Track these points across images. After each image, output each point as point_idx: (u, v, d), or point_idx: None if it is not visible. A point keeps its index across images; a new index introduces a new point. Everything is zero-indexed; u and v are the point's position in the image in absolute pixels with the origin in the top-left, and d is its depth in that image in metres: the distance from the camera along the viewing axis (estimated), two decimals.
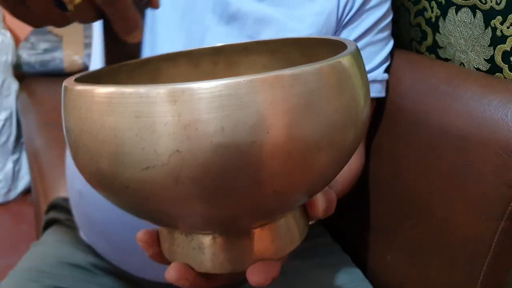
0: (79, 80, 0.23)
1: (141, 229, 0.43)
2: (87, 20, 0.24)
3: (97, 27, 0.49)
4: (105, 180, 0.20)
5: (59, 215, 0.55)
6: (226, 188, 0.18)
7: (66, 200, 0.56)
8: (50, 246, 0.50)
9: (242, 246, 0.23)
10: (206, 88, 0.17)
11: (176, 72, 0.31)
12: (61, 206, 0.56)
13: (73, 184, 0.49)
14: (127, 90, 0.18)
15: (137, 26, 0.24)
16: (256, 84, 0.17)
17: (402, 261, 0.48)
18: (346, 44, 0.24)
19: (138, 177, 0.18)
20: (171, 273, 0.23)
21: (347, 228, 0.56)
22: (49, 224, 0.55)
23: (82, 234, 0.51)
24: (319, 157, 0.19)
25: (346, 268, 0.50)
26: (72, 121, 0.20)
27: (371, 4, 0.46)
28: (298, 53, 0.30)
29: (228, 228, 0.23)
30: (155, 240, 0.26)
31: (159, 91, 0.17)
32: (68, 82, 0.21)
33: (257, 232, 0.23)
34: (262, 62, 0.32)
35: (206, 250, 0.23)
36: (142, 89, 0.17)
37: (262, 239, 0.23)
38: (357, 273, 0.50)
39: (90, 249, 0.50)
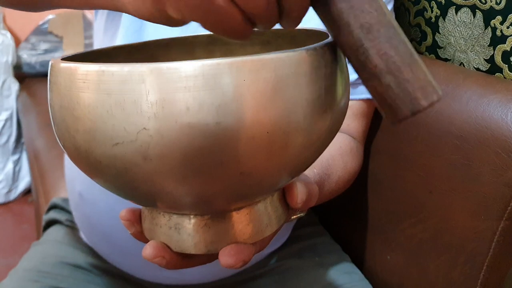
0: (71, 59, 0.24)
1: None
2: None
3: (97, 27, 0.49)
4: (81, 155, 0.20)
5: (59, 215, 0.55)
6: (193, 168, 0.19)
7: (66, 200, 0.56)
8: (50, 246, 0.50)
9: (217, 228, 0.23)
10: (174, 68, 0.17)
11: (171, 58, 0.31)
12: (61, 207, 0.56)
13: (73, 185, 0.49)
14: (101, 68, 0.18)
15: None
16: (223, 67, 0.18)
17: (402, 261, 0.48)
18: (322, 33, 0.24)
19: (109, 153, 0.19)
20: (148, 251, 0.23)
21: (347, 227, 0.56)
22: (49, 224, 0.55)
23: (82, 235, 0.51)
24: (286, 142, 0.19)
25: (345, 267, 0.50)
26: (53, 97, 0.21)
27: None
28: (290, 45, 0.30)
29: (203, 209, 0.23)
30: (137, 218, 0.26)
31: (129, 70, 0.18)
32: (55, 60, 0.22)
33: (233, 215, 0.24)
34: (256, 53, 0.32)
35: (182, 230, 0.24)
36: (114, 67, 0.18)
37: (237, 222, 0.24)
38: (356, 273, 0.50)
39: (90, 250, 0.50)
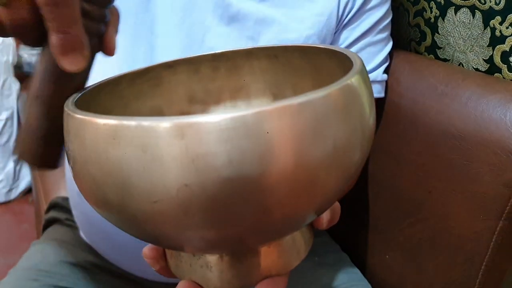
0: (80, 100, 0.23)
1: None
2: (27, 35, 0.21)
3: None
4: (113, 210, 0.19)
5: (59, 214, 0.55)
6: (234, 217, 0.18)
7: (66, 199, 0.57)
8: (50, 245, 0.50)
9: (249, 263, 0.23)
10: (213, 121, 0.17)
11: (176, 79, 0.31)
12: (61, 206, 0.56)
13: (72, 185, 0.49)
14: (132, 123, 0.17)
15: (80, 48, 0.21)
16: (263, 115, 0.17)
17: (401, 260, 0.48)
18: (350, 57, 0.23)
19: (146, 209, 0.18)
20: None
21: (346, 227, 0.56)
22: (49, 223, 0.55)
23: (82, 234, 0.51)
24: (326, 180, 0.19)
25: (344, 267, 0.50)
26: (76, 149, 0.20)
27: (371, 4, 0.46)
28: (300, 60, 0.29)
29: (235, 249, 0.23)
30: (161, 255, 0.26)
31: (165, 126, 0.17)
32: (69, 107, 0.21)
33: (264, 249, 0.23)
34: (263, 67, 0.31)
35: (213, 268, 0.23)
36: (146, 122, 0.17)
37: (269, 256, 0.23)
38: (355, 272, 0.50)
39: (90, 249, 0.50)
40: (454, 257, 0.42)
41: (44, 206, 0.63)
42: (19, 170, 1.42)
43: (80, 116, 0.19)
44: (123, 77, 0.29)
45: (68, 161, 0.21)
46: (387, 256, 0.50)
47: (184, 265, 0.24)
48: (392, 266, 0.50)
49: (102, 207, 0.20)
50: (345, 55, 0.24)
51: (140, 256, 0.45)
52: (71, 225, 0.53)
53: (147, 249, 0.26)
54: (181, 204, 0.18)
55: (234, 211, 0.18)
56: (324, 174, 0.19)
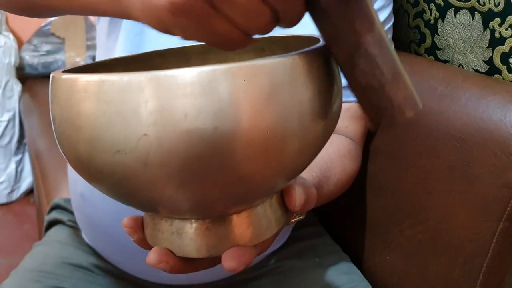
0: (71, 71, 0.24)
1: None
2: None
3: (100, 30, 0.49)
4: (83, 165, 0.21)
5: (61, 215, 0.55)
6: (193, 173, 0.19)
7: (68, 201, 0.57)
8: (52, 246, 0.51)
9: (218, 231, 0.24)
10: (171, 76, 0.18)
11: (168, 68, 0.32)
12: (63, 207, 0.57)
13: (75, 186, 0.49)
14: (101, 78, 0.19)
15: None
16: (219, 73, 0.18)
17: (401, 261, 0.49)
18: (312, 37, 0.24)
19: (110, 161, 0.19)
20: (151, 257, 0.24)
21: (346, 228, 0.56)
22: (51, 224, 0.56)
23: (84, 235, 0.52)
24: (283, 146, 0.20)
25: (345, 268, 0.50)
26: (55, 109, 0.21)
27: (374, 7, 0.46)
28: (284, 51, 0.30)
29: (204, 214, 0.24)
30: (139, 226, 0.27)
31: (128, 79, 0.18)
32: (55, 72, 0.22)
33: (233, 218, 0.24)
34: (251, 59, 0.32)
35: (184, 235, 0.24)
36: (113, 77, 0.18)
37: (238, 225, 0.24)
38: (356, 273, 0.50)
39: (91, 250, 0.50)
40: (454, 258, 0.43)
41: (46, 207, 0.64)
42: (21, 171, 1.43)
43: (60, 76, 0.21)
44: (118, 60, 0.30)
45: (52, 125, 0.23)
46: (388, 257, 0.50)
47: (158, 233, 0.25)
48: (392, 267, 0.50)
49: (76, 165, 0.21)
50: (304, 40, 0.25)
51: (141, 258, 0.45)
52: (73, 226, 0.54)
53: (127, 219, 0.26)
54: (140, 155, 0.19)
55: (191, 167, 0.19)
56: (278, 139, 0.20)
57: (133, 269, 0.47)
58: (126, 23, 0.43)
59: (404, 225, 0.48)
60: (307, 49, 0.21)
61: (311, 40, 0.27)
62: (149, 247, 0.26)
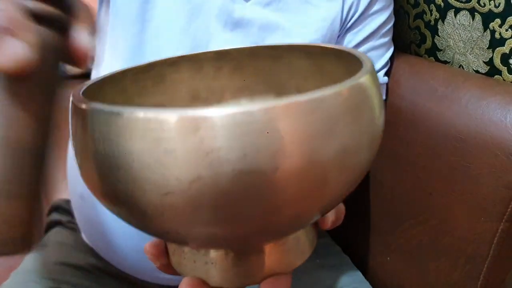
0: (86, 92, 0.22)
1: (143, 233, 0.44)
2: None
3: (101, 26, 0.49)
4: (122, 205, 0.19)
5: (61, 217, 0.55)
6: (245, 213, 0.18)
7: (68, 202, 0.57)
8: (51, 248, 0.51)
9: (254, 261, 0.23)
10: (228, 114, 0.17)
11: (179, 77, 0.31)
12: (63, 208, 0.57)
13: (74, 187, 0.49)
14: (147, 115, 0.17)
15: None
16: (279, 110, 0.17)
17: (402, 262, 0.48)
18: (358, 57, 0.23)
19: (157, 203, 0.18)
20: None
21: (347, 229, 0.56)
22: (51, 226, 0.55)
23: (84, 236, 0.52)
24: (335, 179, 0.19)
25: (346, 269, 0.50)
26: (83, 142, 0.19)
27: (374, 8, 0.46)
28: (304, 60, 0.29)
29: (241, 247, 0.23)
30: (162, 252, 0.26)
31: (180, 116, 0.17)
32: (76, 97, 0.20)
33: (269, 248, 0.23)
34: (266, 68, 0.31)
35: (217, 265, 0.23)
36: (162, 115, 0.17)
37: (273, 255, 0.23)
38: (357, 274, 0.50)
39: (91, 251, 0.50)
40: (455, 259, 0.43)
41: (45, 209, 0.64)
42: None
43: (89, 106, 0.19)
44: (127, 71, 0.28)
45: (76, 158, 0.21)
46: (389, 258, 0.50)
47: (187, 262, 0.24)
48: (393, 268, 0.50)
49: (110, 201, 0.20)
50: (353, 55, 0.24)
51: (142, 259, 0.45)
52: (73, 227, 0.53)
53: (149, 245, 0.26)
54: (193, 197, 0.17)
55: (245, 207, 0.18)
56: (333, 173, 0.19)
57: (133, 270, 0.47)
58: (124, 25, 0.43)
59: (405, 226, 0.48)
60: (361, 74, 0.20)
61: (338, 52, 0.26)
62: (174, 272, 0.26)
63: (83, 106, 0.19)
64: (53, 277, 0.46)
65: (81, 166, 0.20)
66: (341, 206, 0.27)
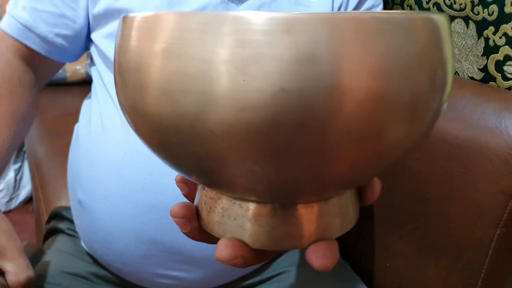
0: None
1: (144, 237, 0.44)
2: None
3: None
4: (182, 125, 0.16)
5: (60, 224, 0.55)
6: (330, 138, 0.16)
7: (67, 209, 0.57)
8: (51, 255, 0.51)
9: (304, 219, 0.20)
10: (327, 18, 0.14)
11: None
12: (62, 216, 0.57)
13: (74, 193, 0.49)
14: (230, 14, 0.15)
15: None
16: (385, 21, 0.15)
17: (401, 268, 0.49)
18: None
19: (230, 119, 0.15)
20: (223, 252, 0.19)
21: (346, 235, 0.56)
22: (50, 233, 0.55)
23: (83, 243, 0.52)
24: (411, 120, 0.17)
25: (345, 275, 0.50)
26: (141, 53, 0.17)
27: (363, 7, 0.47)
28: None
29: (294, 196, 0.20)
30: (193, 214, 0.23)
31: (271, 17, 0.14)
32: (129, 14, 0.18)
33: (319, 206, 0.20)
34: None
35: (263, 222, 0.20)
36: (248, 14, 0.14)
37: (324, 215, 0.21)
38: (356, 280, 0.50)
39: (90, 258, 0.50)
40: (453, 265, 0.43)
41: (45, 216, 0.64)
42: (20, 179, 1.42)
43: (150, 13, 0.16)
44: None
45: (122, 77, 0.18)
46: (387, 264, 0.50)
47: (227, 220, 0.21)
48: (392, 273, 0.50)
49: (167, 123, 0.17)
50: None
51: (141, 265, 0.45)
52: (72, 234, 0.53)
53: (177, 206, 0.22)
54: (274, 114, 0.15)
55: (331, 133, 0.15)
56: (407, 111, 0.16)
57: (133, 277, 0.47)
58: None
59: (403, 231, 0.48)
60: (436, 14, 0.18)
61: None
62: (205, 238, 0.23)
63: (142, 13, 0.17)
64: (52, 285, 0.46)
65: (133, 87, 0.18)
66: (379, 180, 0.25)
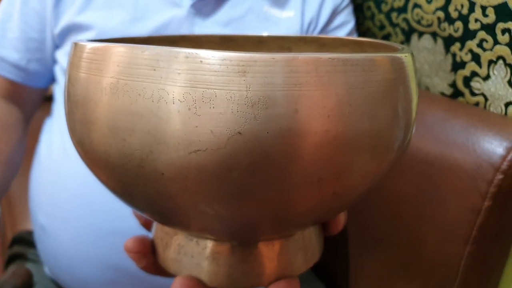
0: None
1: (108, 263, 0.42)
2: None
3: None
4: (130, 165, 0.15)
5: (22, 249, 0.53)
6: (288, 181, 0.15)
7: (31, 233, 0.54)
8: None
9: (264, 257, 0.20)
10: (284, 60, 0.14)
11: None
12: (26, 240, 0.54)
13: (36, 218, 0.47)
14: (183, 50, 0.14)
15: None
16: (343, 62, 0.14)
17: (375, 286, 0.48)
18: (388, 45, 0.21)
19: (181, 162, 0.14)
20: None
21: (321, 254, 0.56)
22: (12, 259, 0.53)
23: (46, 269, 0.49)
24: (384, 157, 0.17)
25: None
26: (88, 86, 0.16)
27: (335, 24, 0.47)
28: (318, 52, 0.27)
29: (254, 235, 0.19)
30: (149, 248, 0.22)
31: (226, 56, 0.14)
32: (82, 41, 0.17)
33: (281, 244, 0.20)
34: None
35: (221, 261, 0.19)
36: (201, 52, 0.14)
37: (285, 252, 0.20)
38: None
39: (55, 285, 0.48)
40: (426, 283, 0.42)
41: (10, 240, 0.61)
42: None
43: (102, 44, 0.15)
44: (125, 41, 0.25)
45: (70, 108, 0.17)
46: (362, 283, 0.49)
47: (184, 257, 0.20)
48: None
49: (113, 163, 0.16)
50: (371, 45, 0.22)
51: None
52: (36, 260, 0.51)
53: (131, 242, 0.21)
54: (228, 157, 0.14)
55: (287, 175, 0.15)
56: (383, 149, 0.16)
57: None
58: None
59: (377, 250, 0.47)
60: (402, 52, 0.17)
61: (355, 43, 0.24)
62: (161, 273, 0.22)
63: (89, 44, 0.16)
64: None
65: (79, 121, 0.17)
66: (343, 214, 0.25)
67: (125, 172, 0.16)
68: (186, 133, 0.14)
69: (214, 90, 0.14)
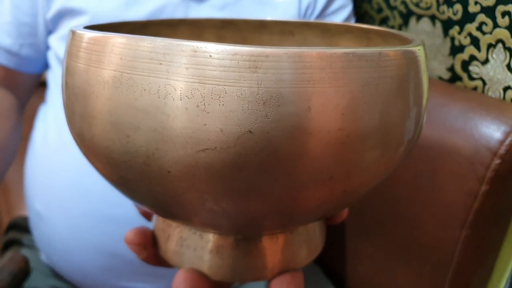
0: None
1: (104, 249, 0.42)
2: None
3: None
4: (135, 162, 0.15)
5: (19, 235, 0.53)
6: (298, 180, 0.15)
7: (26, 219, 0.54)
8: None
9: (267, 251, 0.19)
10: (298, 55, 0.13)
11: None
12: (22, 226, 0.54)
13: (31, 204, 0.47)
14: (191, 44, 0.13)
15: None
16: (359, 58, 0.14)
17: (372, 271, 0.48)
18: (395, 34, 0.21)
19: (188, 160, 0.14)
20: (181, 285, 0.18)
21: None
22: (8, 245, 0.53)
23: (43, 256, 0.49)
24: (396, 153, 0.16)
25: (317, 279, 0.49)
26: (88, 78, 0.15)
27: (333, 7, 0.47)
28: (319, 38, 0.26)
29: (258, 230, 0.19)
30: (150, 239, 0.21)
31: (236, 51, 0.13)
32: (80, 29, 0.16)
33: (285, 237, 0.20)
34: (274, 43, 0.28)
35: (225, 254, 0.19)
36: (211, 46, 0.13)
37: (289, 245, 0.20)
38: (328, 284, 0.50)
39: (51, 271, 0.48)
40: (422, 267, 0.42)
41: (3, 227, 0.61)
42: None
43: (105, 34, 0.15)
44: (124, 25, 0.24)
45: (69, 104, 0.16)
46: (359, 267, 0.50)
47: (187, 250, 0.20)
48: (363, 277, 0.49)
49: (117, 158, 0.15)
50: (377, 32, 0.22)
51: (104, 276, 0.43)
52: (32, 246, 0.51)
53: (132, 233, 0.21)
54: (237, 156, 0.13)
55: (298, 174, 0.14)
56: (396, 144, 0.16)
57: None
58: None
59: (374, 235, 0.48)
60: (414, 44, 0.17)
61: (359, 30, 0.24)
62: (160, 264, 0.22)
63: (90, 34, 0.15)
64: None
65: (81, 117, 0.16)
66: None
67: (129, 169, 0.15)
68: (194, 131, 0.13)
69: (224, 87, 0.13)
